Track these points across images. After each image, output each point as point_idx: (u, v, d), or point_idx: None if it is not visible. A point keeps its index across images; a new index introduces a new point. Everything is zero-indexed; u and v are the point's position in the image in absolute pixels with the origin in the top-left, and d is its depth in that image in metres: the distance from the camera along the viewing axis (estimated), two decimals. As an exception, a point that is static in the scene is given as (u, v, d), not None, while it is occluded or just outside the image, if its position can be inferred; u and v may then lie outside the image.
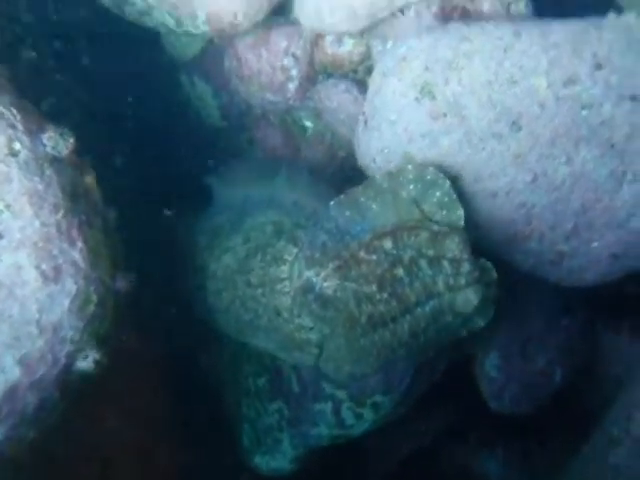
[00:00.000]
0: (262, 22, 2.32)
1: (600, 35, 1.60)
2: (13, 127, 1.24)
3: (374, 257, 1.66)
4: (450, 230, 1.68)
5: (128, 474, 1.85)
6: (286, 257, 1.81)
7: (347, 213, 1.71)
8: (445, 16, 2.03)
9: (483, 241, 1.97)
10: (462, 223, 1.69)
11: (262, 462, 2.33)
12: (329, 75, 2.46)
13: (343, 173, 2.66)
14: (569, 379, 2.26)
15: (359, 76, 2.41)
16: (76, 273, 1.41)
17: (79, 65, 2.56)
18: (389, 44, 2.16)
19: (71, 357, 1.39)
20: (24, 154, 1.28)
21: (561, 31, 1.63)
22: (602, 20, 1.64)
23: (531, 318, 2.19)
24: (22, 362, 1.33)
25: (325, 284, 1.67)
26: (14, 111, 1.25)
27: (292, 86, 2.45)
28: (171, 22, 2.25)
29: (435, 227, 1.66)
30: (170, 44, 2.62)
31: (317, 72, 2.47)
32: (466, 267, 1.67)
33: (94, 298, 1.45)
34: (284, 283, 1.80)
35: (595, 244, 1.88)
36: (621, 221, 1.83)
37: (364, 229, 1.68)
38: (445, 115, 1.74)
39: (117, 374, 1.70)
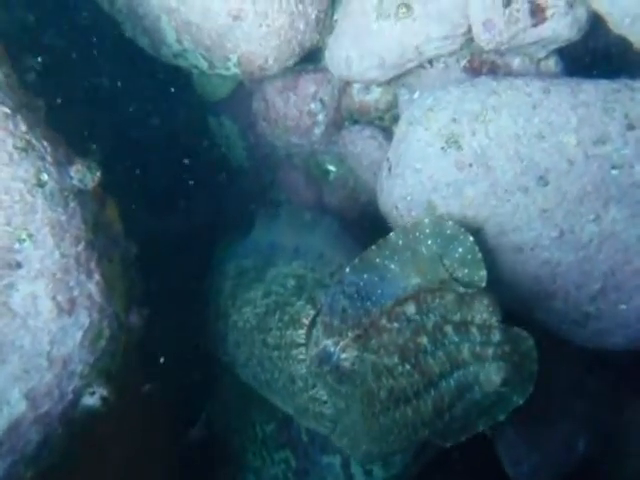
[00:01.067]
0: (292, 68, 2.38)
1: (632, 96, 1.59)
2: (42, 159, 1.26)
3: (396, 325, 1.53)
4: (478, 292, 1.55)
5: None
6: (304, 320, 1.71)
7: (365, 276, 1.59)
8: (474, 70, 2.05)
9: (505, 297, 1.91)
10: (484, 284, 1.56)
11: (266, 515, 2.24)
12: (355, 121, 2.49)
13: (365, 218, 2.65)
14: (593, 450, 2.14)
15: (385, 124, 2.44)
16: (91, 306, 1.40)
17: (109, 99, 2.64)
18: (416, 94, 2.19)
19: (78, 392, 1.35)
20: (50, 185, 1.29)
21: (592, 90, 1.63)
22: (635, 82, 1.64)
23: (554, 380, 2.10)
24: (29, 396, 1.30)
25: (343, 355, 1.55)
26: (45, 143, 1.27)
27: (318, 131, 2.48)
28: (204, 64, 2.32)
29: (461, 288, 1.53)
30: (201, 85, 2.68)
31: (343, 118, 2.51)
32: (497, 336, 1.53)
33: (106, 333, 1.43)
34: (300, 349, 1.70)
35: (623, 307, 1.81)
36: (651, 284, 1.77)
37: (385, 292, 1.57)
38: (471, 165, 1.73)
39: (122, 412, 1.66)
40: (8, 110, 1.24)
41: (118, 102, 2.65)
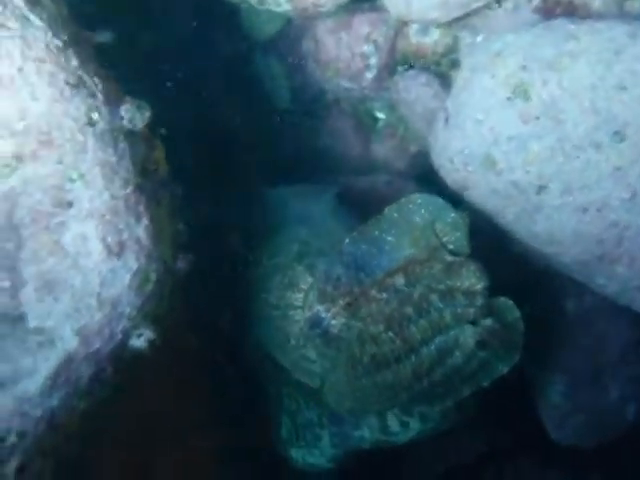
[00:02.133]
0: (346, 6, 2.23)
1: None
2: (94, 96, 1.21)
3: (385, 295, 1.64)
4: (466, 260, 1.63)
5: (169, 451, 1.85)
6: (302, 285, 1.81)
7: (363, 247, 1.70)
8: (547, 11, 1.87)
9: (561, 259, 1.82)
10: (468, 251, 1.64)
11: (298, 455, 2.29)
12: (410, 66, 2.34)
13: (413, 169, 2.55)
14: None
15: (442, 69, 2.28)
16: (139, 250, 1.38)
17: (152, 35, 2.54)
18: (480, 37, 2.02)
19: (127, 334, 1.36)
20: (101, 125, 1.25)
21: (686, 35, 1.46)
22: None
23: (606, 345, 2.02)
24: (80, 333, 1.31)
25: (333, 322, 1.67)
26: (97, 80, 1.22)
27: (370, 75, 2.35)
28: (253, -1, 2.19)
29: (449, 257, 1.62)
30: (249, 21, 2.56)
31: (397, 61, 2.36)
32: (480, 300, 1.60)
33: (153, 277, 1.42)
34: (297, 311, 1.80)
35: (692, 276, 1.70)
36: None
37: (380, 263, 1.66)
38: (538, 118, 1.60)
39: (167, 354, 1.68)
40: (60, 43, 1.19)
41: (161, 38, 2.57)
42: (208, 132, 2.60)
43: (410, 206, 1.70)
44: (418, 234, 1.66)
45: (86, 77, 1.20)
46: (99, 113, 1.24)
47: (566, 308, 2.09)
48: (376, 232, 1.69)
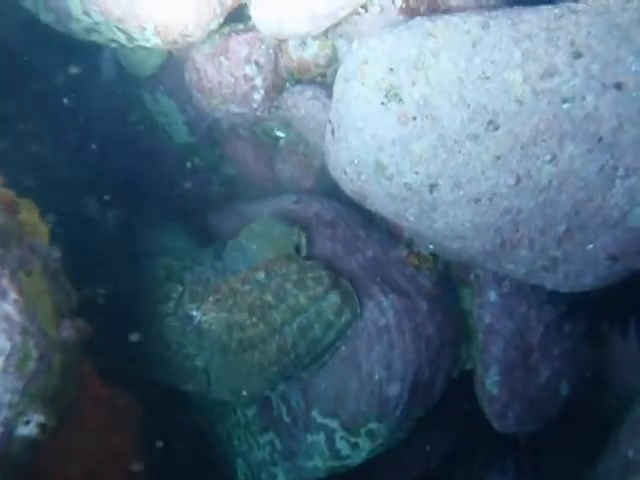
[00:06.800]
0: (219, 30, 2.18)
1: (577, 20, 1.45)
2: None
3: (247, 287, 1.89)
4: (315, 263, 1.96)
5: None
6: (173, 295, 2.05)
7: (233, 254, 2.03)
8: (412, 11, 1.88)
9: (468, 251, 1.82)
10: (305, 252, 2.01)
11: (259, 497, 2.23)
12: (297, 82, 2.31)
13: (320, 184, 2.51)
14: (577, 391, 2.09)
15: (328, 80, 2.26)
16: (10, 328, 1.26)
17: (36, 90, 2.42)
18: (354, 44, 2.01)
19: (9, 424, 1.24)
20: None
21: (534, 19, 1.48)
22: (577, 4, 1.49)
23: (530, 326, 2.03)
24: (-49, 436, 1.18)
25: (204, 318, 1.88)
26: None
27: (258, 96, 2.30)
28: (121, 37, 2.11)
29: (302, 260, 1.96)
30: (127, 61, 2.47)
31: (284, 79, 2.32)
32: (325, 280, 1.90)
33: (34, 353, 1.30)
34: (170, 318, 2.01)
35: (590, 246, 1.72)
36: (617, 220, 1.68)
37: (245, 266, 1.97)
38: (415, 118, 1.59)
39: (79, 429, 1.55)
40: None
41: (44, 93, 2.44)
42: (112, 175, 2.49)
43: (269, 222, 2.04)
44: (277, 243, 1.98)
45: None
46: None
47: (489, 298, 2.09)
48: (244, 241, 2.02)
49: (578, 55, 1.45)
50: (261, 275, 1.91)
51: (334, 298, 1.90)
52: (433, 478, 2.51)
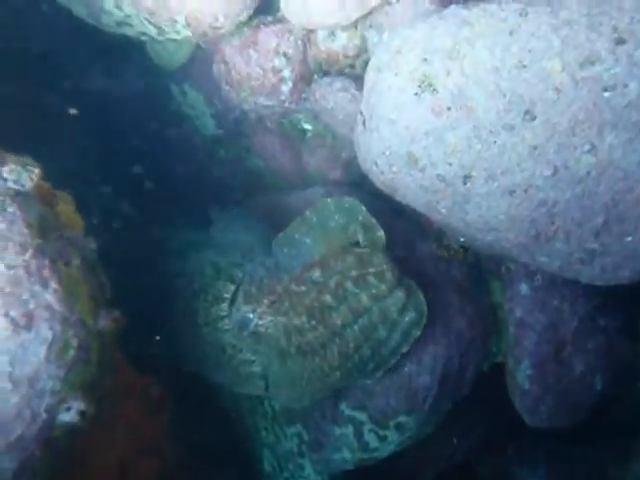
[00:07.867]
0: (248, 22, 2.17)
1: (620, 4, 1.40)
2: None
3: (303, 288, 1.77)
4: (373, 250, 1.79)
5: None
6: (225, 295, 1.92)
7: (285, 250, 1.86)
8: (444, 0, 1.85)
9: (501, 244, 1.79)
10: (384, 242, 1.80)
11: (285, 488, 2.24)
12: (325, 73, 2.30)
13: (348, 176, 2.50)
14: (611, 386, 2.06)
15: (357, 71, 2.24)
16: (51, 317, 1.29)
17: (64, 83, 2.45)
18: (385, 35, 1.99)
19: (52, 410, 1.26)
20: (-19, 192, 1.16)
21: (574, 5, 1.44)
22: (621, -12, 1.45)
23: (563, 320, 2.00)
24: (-5, 422, 1.20)
25: (260, 322, 1.80)
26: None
27: (286, 88, 2.30)
28: (152, 30, 2.12)
29: (359, 250, 1.78)
30: (155, 53, 2.48)
31: (312, 71, 2.31)
32: (389, 276, 1.75)
33: (74, 342, 1.32)
34: (225, 321, 1.90)
35: (629, 238, 1.68)
36: (657, 211, 1.63)
37: (299, 263, 1.81)
38: (449, 109, 1.57)
39: (115, 418, 1.57)
40: None
41: (71, 83, 2.48)
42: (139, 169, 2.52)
43: (325, 211, 1.83)
44: (332, 237, 1.80)
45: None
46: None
47: (521, 291, 2.06)
48: (297, 235, 1.85)
49: (621, 41, 1.41)
50: (317, 274, 1.76)
51: (399, 295, 1.76)
52: (458, 471, 2.50)
